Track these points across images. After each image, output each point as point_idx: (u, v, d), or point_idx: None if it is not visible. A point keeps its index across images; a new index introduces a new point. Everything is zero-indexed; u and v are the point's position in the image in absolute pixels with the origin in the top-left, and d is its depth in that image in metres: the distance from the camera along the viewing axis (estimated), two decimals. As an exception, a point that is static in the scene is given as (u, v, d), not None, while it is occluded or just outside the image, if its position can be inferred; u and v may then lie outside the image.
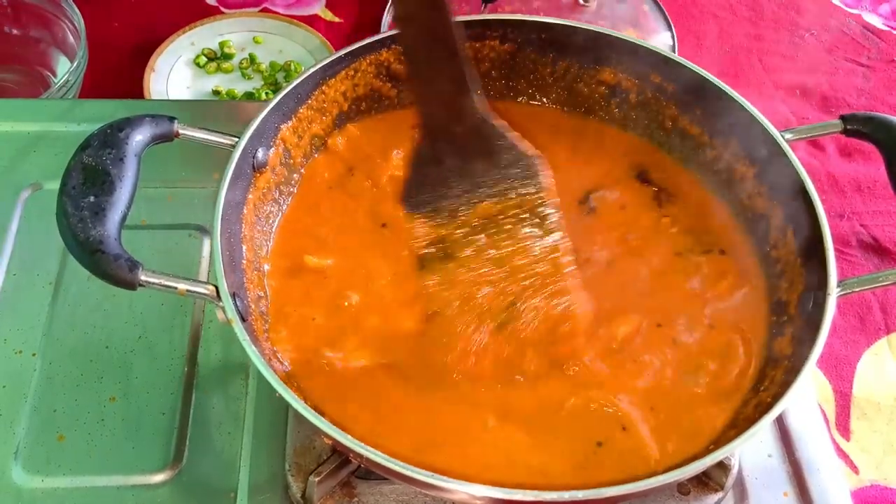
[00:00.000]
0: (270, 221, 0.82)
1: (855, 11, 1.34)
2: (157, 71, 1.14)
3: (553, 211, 0.74)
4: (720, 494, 0.73)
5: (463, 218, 0.74)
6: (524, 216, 0.73)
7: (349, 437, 0.61)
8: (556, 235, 0.74)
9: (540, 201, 0.74)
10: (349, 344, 0.75)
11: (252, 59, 1.19)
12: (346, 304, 0.77)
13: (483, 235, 0.73)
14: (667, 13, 1.20)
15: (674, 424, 0.71)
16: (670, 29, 1.18)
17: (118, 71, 1.17)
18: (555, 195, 0.74)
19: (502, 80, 0.93)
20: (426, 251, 0.74)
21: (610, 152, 0.90)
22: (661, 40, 1.16)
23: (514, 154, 0.73)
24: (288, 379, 0.71)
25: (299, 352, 0.74)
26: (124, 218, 0.67)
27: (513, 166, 0.73)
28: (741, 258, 0.82)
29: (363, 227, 0.83)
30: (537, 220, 0.74)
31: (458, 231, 0.73)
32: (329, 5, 1.28)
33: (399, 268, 0.79)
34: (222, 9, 1.26)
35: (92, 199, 0.67)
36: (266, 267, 0.79)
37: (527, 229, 0.73)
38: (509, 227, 0.73)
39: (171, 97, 1.12)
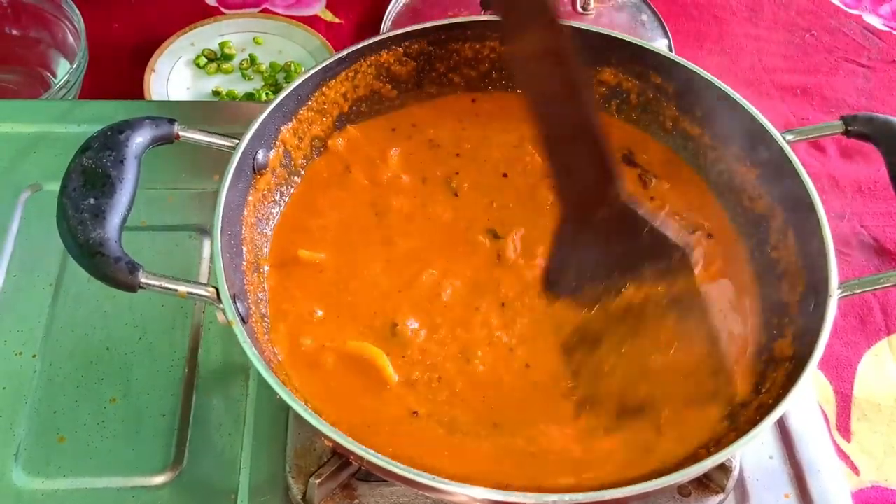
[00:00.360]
0: (270, 223, 0.82)
1: (855, 12, 1.34)
2: (158, 72, 1.14)
3: (700, 301, 0.71)
4: (721, 496, 0.73)
5: (606, 304, 0.71)
6: (669, 309, 0.71)
7: (349, 439, 0.61)
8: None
9: (689, 293, 0.71)
10: (344, 333, 0.75)
11: (252, 59, 1.18)
12: (343, 295, 0.78)
13: (625, 327, 0.71)
14: (665, 23, 1.20)
15: (670, 401, 0.72)
16: (667, 37, 1.19)
17: (118, 72, 1.17)
18: (699, 289, 0.72)
19: (502, 81, 0.93)
20: (570, 338, 0.72)
21: None
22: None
23: (662, 242, 0.71)
24: (287, 378, 0.71)
25: (297, 348, 0.75)
26: (125, 220, 0.67)
27: (659, 254, 0.71)
28: (728, 244, 0.82)
29: (356, 220, 0.83)
30: (683, 313, 0.71)
31: (601, 318, 0.71)
32: (329, 6, 1.28)
33: (392, 255, 0.80)
34: (222, 9, 1.26)
35: (92, 201, 0.66)
36: (266, 268, 0.79)
37: (672, 323, 0.71)
38: (654, 320, 0.71)
39: (172, 98, 1.12)
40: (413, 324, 0.76)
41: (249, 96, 1.15)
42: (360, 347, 0.74)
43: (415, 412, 0.71)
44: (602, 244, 0.71)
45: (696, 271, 0.71)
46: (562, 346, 0.72)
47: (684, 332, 0.71)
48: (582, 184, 0.70)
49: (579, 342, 0.72)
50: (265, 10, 1.27)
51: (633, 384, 0.70)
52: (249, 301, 0.73)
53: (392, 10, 1.21)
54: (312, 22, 1.25)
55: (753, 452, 0.78)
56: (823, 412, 0.89)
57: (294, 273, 0.79)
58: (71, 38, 1.11)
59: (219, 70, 1.17)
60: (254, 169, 0.79)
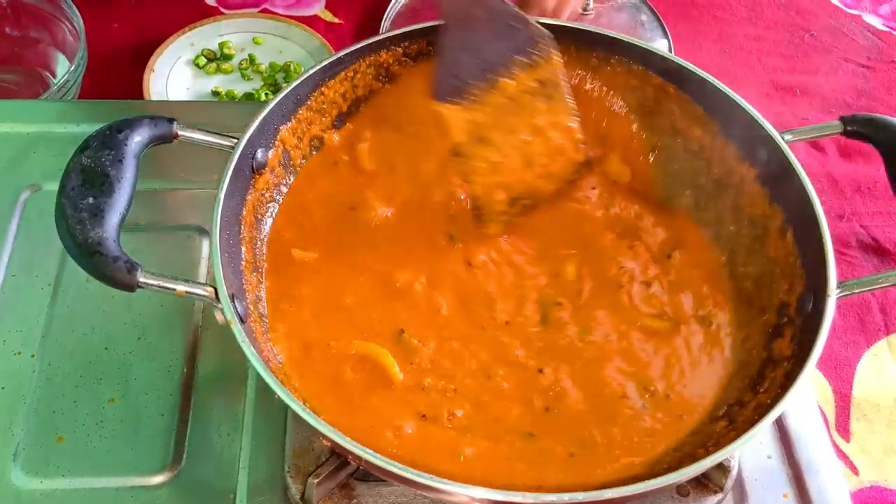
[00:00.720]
0: (269, 222, 0.82)
1: (855, 12, 1.34)
2: (157, 71, 1.14)
3: (563, 82, 0.81)
4: (720, 496, 0.73)
5: (488, 98, 0.78)
6: (538, 90, 0.80)
7: (348, 438, 0.61)
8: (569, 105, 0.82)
9: (552, 74, 0.80)
10: (347, 335, 0.75)
11: (252, 59, 1.19)
12: (341, 296, 0.78)
13: (508, 114, 0.79)
14: (664, 23, 1.20)
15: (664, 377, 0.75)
16: (667, 37, 1.19)
17: (118, 72, 1.17)
18: (562, 68, 0.82)
19: (501, 81, 0.93)
20: (460, 141, 0.78)
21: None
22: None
23: (527, 33, 0.79)
24: (285, 378, 0.71)
25: (297, 348, 0.75)
26: (123, 219, 0.67)
27: (526, 46, 0.79)
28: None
29: (348, 219, 0.83)
30: (549, 93, 0.81)
31: (486, 113, 0.78)
32: (329, 6, 1.28)
33: (386, 255, 0.80)
34: (222, 9, 1.27)
35: (91, 200, 0.66)
36: (265, 268, 0.79)
37: (541, 103, 0.80)
38: (527, 101, 0.80)
39: (171, 98, 1.12)
40: (414, 328, 0.76)
41: (249, 96, 1.15)
42: (363, 346, 0.74)
43: (423, 415, 0.71)
44: (478, 46, 0.79)
45: (556, 58, 0.81)
46: (452, 150, 0.79)
47: (554, 113, 0.81)
48: None
49: (471, 142, 0.79)
50: (265, 10, 1.27)
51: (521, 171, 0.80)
52: (248, 301, 0.73)
53: (392, 11, 1.21)
54: (312, 22, 1.25)
55: (752, 452, 0.78)
56: (822, 412, 0.89)
57: (291, 273, 0.79)
58: (70, 38, 1.11)
59: (218, 70, 1.17)
60: (253, 168, 0.79)
